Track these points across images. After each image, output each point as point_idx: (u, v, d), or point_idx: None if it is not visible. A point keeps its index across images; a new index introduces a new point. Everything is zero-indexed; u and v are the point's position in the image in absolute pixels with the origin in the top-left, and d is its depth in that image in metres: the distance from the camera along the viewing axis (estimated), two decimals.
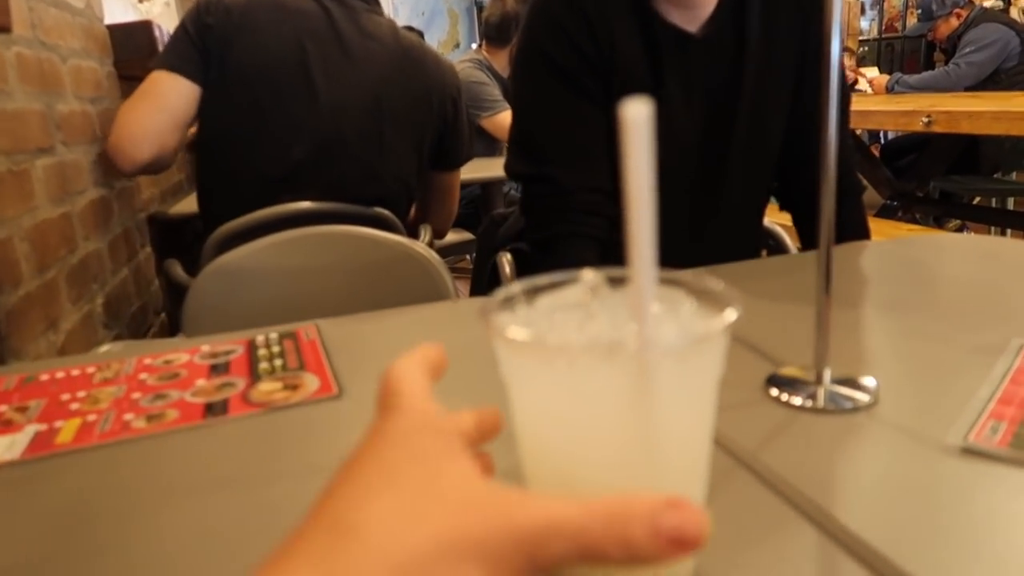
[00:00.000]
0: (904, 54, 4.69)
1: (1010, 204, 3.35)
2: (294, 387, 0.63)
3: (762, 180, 1.13)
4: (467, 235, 2.69)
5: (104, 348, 0.91)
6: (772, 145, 1.09)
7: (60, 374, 0.70)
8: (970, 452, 0.45)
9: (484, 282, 1.26)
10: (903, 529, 0.40)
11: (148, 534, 0.45)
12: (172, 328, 1.65)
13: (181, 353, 0.73)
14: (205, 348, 0.74)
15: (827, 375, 0.55)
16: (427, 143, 1.47)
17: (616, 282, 0.31)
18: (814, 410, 0.53)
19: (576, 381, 0.26)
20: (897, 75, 3.67)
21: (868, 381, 0.56)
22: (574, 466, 0.27)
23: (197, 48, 1.29)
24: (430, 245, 1.57)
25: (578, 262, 1.07)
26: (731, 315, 0.26)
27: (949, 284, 0.86)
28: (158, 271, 1.88)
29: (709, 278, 0.28)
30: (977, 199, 3.47)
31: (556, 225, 1.01)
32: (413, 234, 1.64)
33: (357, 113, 1.35)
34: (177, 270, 1.45)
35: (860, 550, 0.39)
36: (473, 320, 0.82)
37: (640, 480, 0.26)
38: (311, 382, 0.64)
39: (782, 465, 0.47)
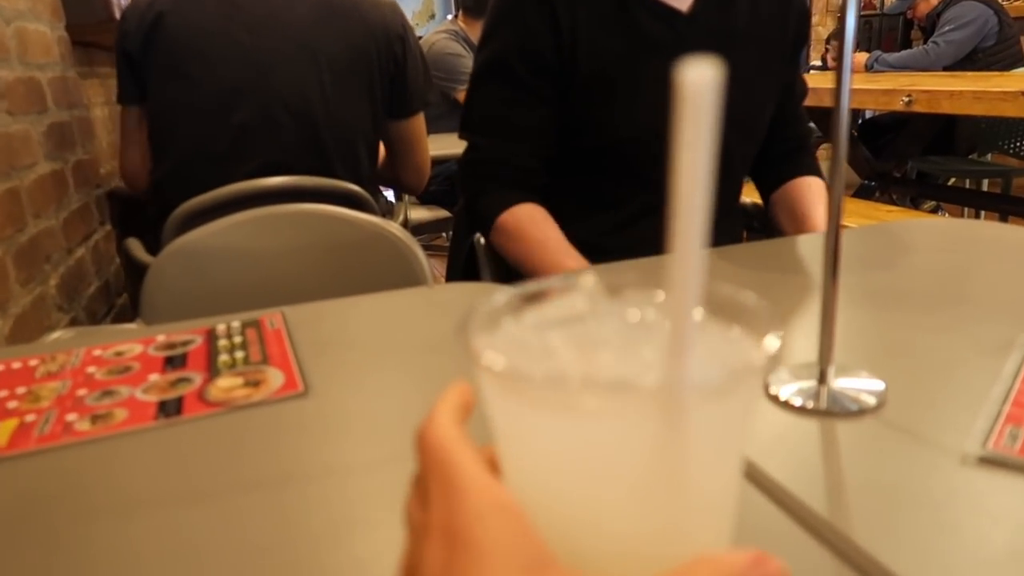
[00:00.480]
0: (882, 32, 4.67)
1: (985, 185, 3.37)
2: (256, 383, 0.58)
3: (749, 157, 1.12)
4: (443, 212, 2.64)
5: (54, 336, 0.85)
6: (759, 123, 1.11)
7: None
8: (990, 462, 0.42)
9: (461, 264, 1.21)
10: (923, 548, 0.37)
11: (93, 554, 0.40)
12: (135, 310, 1.58)
13: (134, 344, 0.67)
14: (161, 338, 0.68)
15: (831, 373, 0.51)
16: (379, 89, 1.41)
17: (617, 289, 0.27)
18: (817, 412, 0.50)
19: (582, 429, 0.20)
20: (876, 53, 3.65)
21: (873, 380, 0.52)
22: (578, 528, 0.22)
23: (126, 64, 1.35)
24: (404, 225, 1.51)
25: (490, 212, 1.06)
26: (774, 341, 0.21)
27: (945, 272, 0.84)
28: (119, 250, 1.79)
29: (735, 288, 0.24)
30: (952, 180, 3.48)
31: (477, 184, 1.05)
32: (382, 185, 1.59)
33: (291, 67, 1.31)
34: (137, 249, 1.38)
35: (876, 573, 0.35)
36: (451, 308, 0.77)
37: (666, 543, 0.21)
38: (275, 378, 0.59)
39: (785, 474, 0.43)
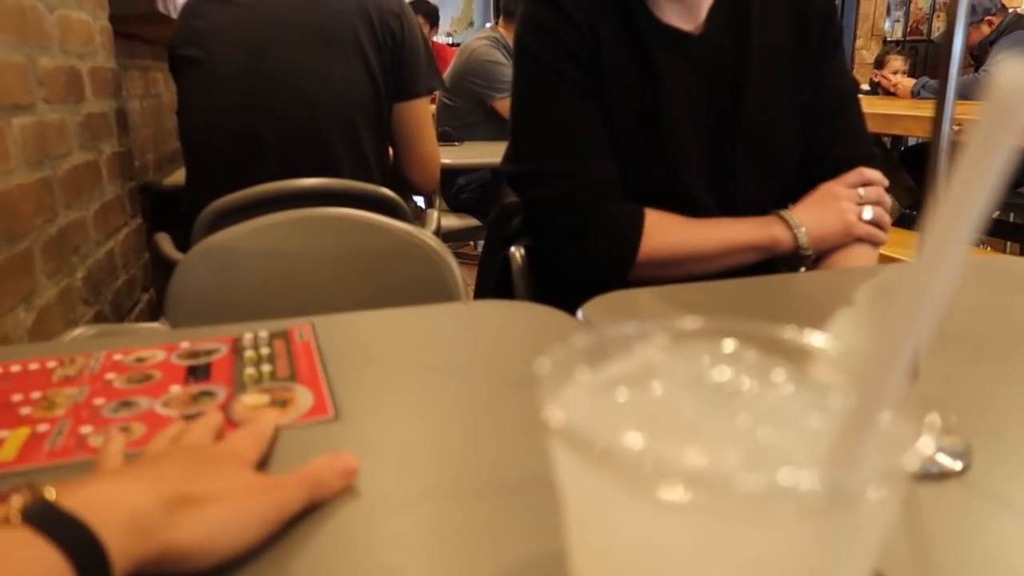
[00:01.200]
0: (927, 58, 4.58)
1: None
2: (283, 403, 0.54)
3: (776, 179, 1.05)
4: (473, 221, 2.61)
5: (76, 332, 0.82)
6: (782, 142, 1.03)
7: (16, 367, 0.61)
8: None
9: (493, 278, 1.17)
10: None
11: None
12: (161, 307, 1.57)
13: (156, 350, 0.64)
14: (184, 345, 0.65)
15: None
16: (377, 64, 1.39)
17: (690, 337, 0.23)
18: None
19: (679, 523, 0.16)
20: (924, 79, 3.57)
21: (955, 439, 0.47)
22: None
23: (172, 74, 1.41)
24: (436, 233, 1.48)
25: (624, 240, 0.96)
26: (929, 441, 0.17)
27: (1016, 315, 0.78)
28: (148, 244, 1.78)
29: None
30: (997, 212, 3.37)
31: (590, 211, 0.94)
32: (398, 182, 1.57)
33: (280, 45, 1.31)
34: (167, 245, 1.36)
35: None
36: (488, 327, 0.73)
37: None
38: (303, 398, 0.55)
39: None
